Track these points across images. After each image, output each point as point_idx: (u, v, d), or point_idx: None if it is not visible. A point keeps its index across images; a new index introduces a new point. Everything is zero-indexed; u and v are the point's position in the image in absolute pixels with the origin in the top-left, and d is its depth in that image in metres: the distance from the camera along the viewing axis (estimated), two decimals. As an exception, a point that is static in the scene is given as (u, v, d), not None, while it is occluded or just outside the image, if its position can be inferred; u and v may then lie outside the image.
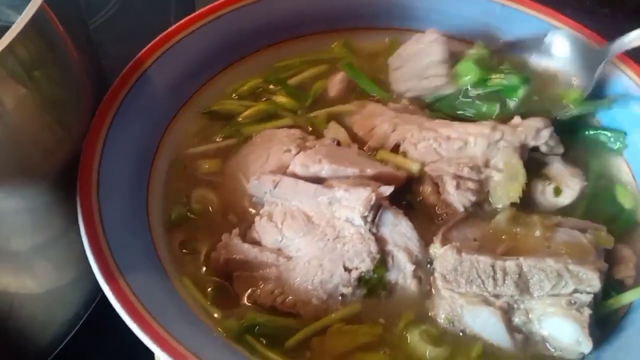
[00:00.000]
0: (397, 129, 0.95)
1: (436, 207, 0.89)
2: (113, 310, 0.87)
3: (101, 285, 0.72)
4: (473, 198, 0.88)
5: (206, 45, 1.00)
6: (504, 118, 0.96)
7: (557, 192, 0.91)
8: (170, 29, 0.97)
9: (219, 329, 0.76)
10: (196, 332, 0.73)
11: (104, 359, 0.93)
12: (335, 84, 1.03)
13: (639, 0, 1.38)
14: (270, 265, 0.80)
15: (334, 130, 0.96)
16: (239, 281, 0.80)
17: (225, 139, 0.96)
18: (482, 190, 0.89)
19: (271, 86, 1.03)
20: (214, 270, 0.82)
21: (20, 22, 0.63)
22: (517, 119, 0.95)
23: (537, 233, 0.84)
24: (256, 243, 0.83)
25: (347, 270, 0.79)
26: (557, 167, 0.93)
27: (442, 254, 0.80)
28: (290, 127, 0.96)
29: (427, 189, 0.90)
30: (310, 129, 0.98)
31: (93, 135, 0.83)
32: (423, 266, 0.82)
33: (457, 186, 0.88)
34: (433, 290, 0.81)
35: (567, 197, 0.91)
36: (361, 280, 0.80)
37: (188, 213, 0.88)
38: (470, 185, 0.88)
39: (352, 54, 1.09)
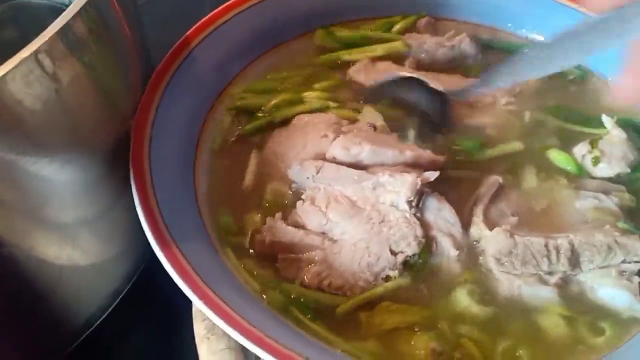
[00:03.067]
0: None
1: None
2: (151, 284, 0.89)
3: (156, 252, 0.74)
4: None
5: (252, 27, 1.02)
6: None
7: (596, 161, 0.94)
8: (217, 10, 1.00)
9: (265, 300, 0.78)
10: (247, 302, 0.76)
11: (144, 331, 0.95)
12: None
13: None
14: (316, 248, 0.82)
15: (369, 115, 0.98)
16: (285, 263, 0.82)
17: (257, 128, 0.96)
18: None
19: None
20: (259, 252, 0.84)
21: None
22: None
23: (566, 200, 0.89)
24: (299, 226, 0.85)
25: (394, 253, 0.82)
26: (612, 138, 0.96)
27: (494, 238, 0.83)
28: (323, 111, 0.97)
29: None
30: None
31: (144, 110, 0.86)
32: (465, 251, 0.84)
33: None
34: (483, 271, 0.83)
35: (602, 172, 0.94)
36: (406, 265, 0.82)
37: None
38: None
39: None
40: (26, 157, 0.66)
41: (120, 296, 0.90)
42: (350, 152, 0.88)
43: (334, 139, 0.90)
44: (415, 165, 0.88)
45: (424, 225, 0.83)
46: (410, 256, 0.81)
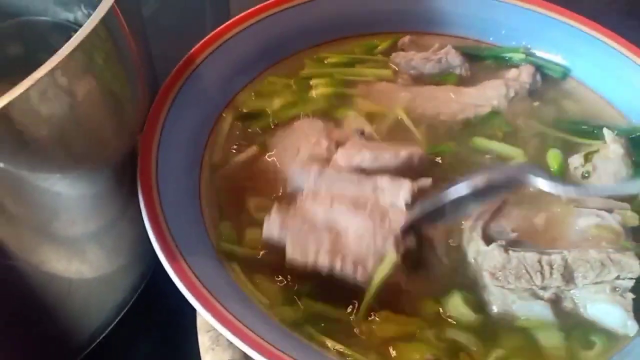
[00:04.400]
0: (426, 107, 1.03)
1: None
2: (156, 296, 0.89)
3: (164, 265, 0.76)
4: None
5: (256, 43, 1.04)
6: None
7: (586, 176, 0.96)
8: (221, 27, 1.02)
9: (275, 316, 0.79)
10: (254, 314, 0.77)
11: (149, 342, 0.96)
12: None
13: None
14: (324, 234, 0.84)
15: (355, 121, 1.00)
16: (294, 240, 0.82)
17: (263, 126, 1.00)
18: None
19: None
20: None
21: (93, 19, 0.67)
22: (513, 71, 1.08)
23: (568, 217, 0.89)
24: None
25: (397, 243, 0.83)
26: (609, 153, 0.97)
27: (489, 253, 0.85)
28: (313, 116, 1.00)
29: None
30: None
31: (152, 124, 0.88)
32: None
33: None
34: (480, 284, 0.85)
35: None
36: (405, 258, 0.84)
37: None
38: None
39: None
40: (38, 174, 0.68)
41: (126, 308, 0.92)
42: (353, 159, 0.90)
43: (328, 145, 0.93)
44: (409, 169, 0.90)
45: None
46: (409, 249, 0.83)
